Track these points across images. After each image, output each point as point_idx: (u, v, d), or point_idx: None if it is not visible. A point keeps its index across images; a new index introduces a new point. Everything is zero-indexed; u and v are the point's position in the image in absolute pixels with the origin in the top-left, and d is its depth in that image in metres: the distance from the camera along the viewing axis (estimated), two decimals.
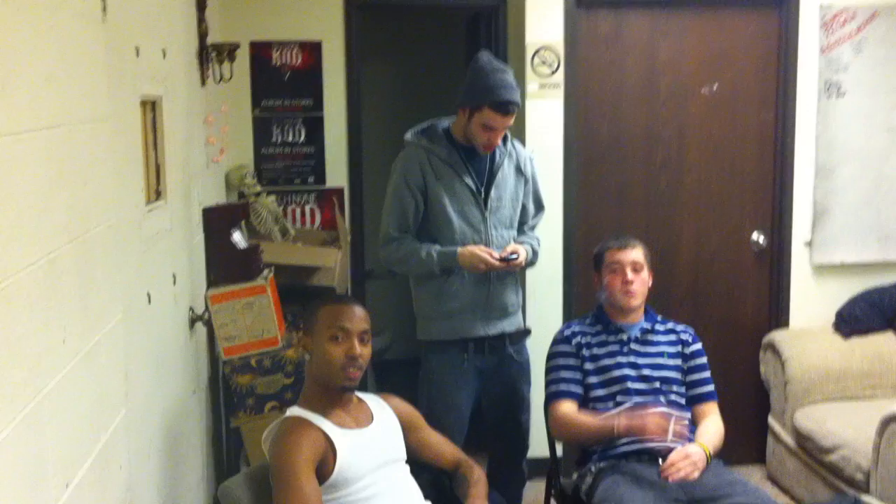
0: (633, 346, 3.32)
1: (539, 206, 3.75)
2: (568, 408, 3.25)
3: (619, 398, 3.22)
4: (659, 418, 3.03)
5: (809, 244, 4.78)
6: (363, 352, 2.59)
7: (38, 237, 1.75)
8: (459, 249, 3.44)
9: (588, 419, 3.19)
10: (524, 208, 3.66)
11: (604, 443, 3.16)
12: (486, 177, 3.54)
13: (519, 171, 3.61)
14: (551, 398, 3.33)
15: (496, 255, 3.41)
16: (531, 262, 3.66)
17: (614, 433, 3.08)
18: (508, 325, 3.61)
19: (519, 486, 3.77)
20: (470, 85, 3.45)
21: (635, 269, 3.35)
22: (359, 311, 2.64)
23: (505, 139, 3.59)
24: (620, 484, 2.94)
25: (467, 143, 3.53)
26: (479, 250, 3.40)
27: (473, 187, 3.50)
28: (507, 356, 3.62)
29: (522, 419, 3.73)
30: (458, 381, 3.55)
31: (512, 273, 3.58)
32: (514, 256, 3.43)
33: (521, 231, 3.68)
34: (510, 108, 3.37)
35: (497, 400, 3.67)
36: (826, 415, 4.25)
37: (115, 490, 2.25)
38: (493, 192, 3.53)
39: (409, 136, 3.61)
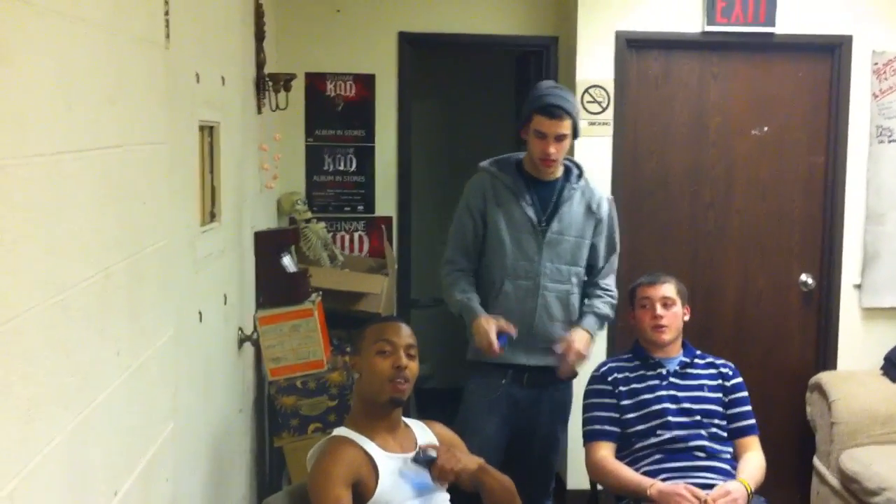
0: (673, 379, 3.32)
1: (612, 249, 3.63)
2: (604, 453, 3.26)
3: (658, 432, 3.22)
4: (689, 501, 3.00)
5: (859, 287, 4.76)
6: (410, 365, 2.62)
7: (95, 252, 1.79)
8: (481, 318, 3.41)
9: (623, 472, 3.19)
10: (594, 248, 3.58)
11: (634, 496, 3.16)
12: (551, 209, 3.51)
13: (590, 209, 3.54)
14: (588, 438, 3.34)
15: (497, 346, 3.37)
16: (601, 325, 3.60)
17: (646, 494, 3.08)
18: (555, 360, 3.55)
19: None
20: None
21: (665, 304, 3.36)
22: (405, 328, 2.69)
23: (580, 176, 3.57)
24: None
25: (537, 175, 3.53)
26: (489, 332, 3.37)
27: (534, 217, 3.48)
28: (548, 393, 3.58)
29: (550, 459, 3.67)
30: (490, 406, 3.52)
31: (566, 309, 3.52)
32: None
33: (591, 284, 3.60)
34: (556, 112, 3.36)
35: (528, 436, 3.60)
36: (873, 457, 4.21)
37: (160, 503, 2.29)
38: (554, 225, 3.49)
39: (482, 163, 3.64)
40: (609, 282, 3.62)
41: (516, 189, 3.51)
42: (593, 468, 3.30)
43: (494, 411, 3.54)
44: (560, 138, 3.40)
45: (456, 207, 3.65)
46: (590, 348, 3.53)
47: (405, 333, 2.66)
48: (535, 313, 3.49)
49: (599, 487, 3.44)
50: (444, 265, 3.62)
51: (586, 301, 3.58)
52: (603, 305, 3.57)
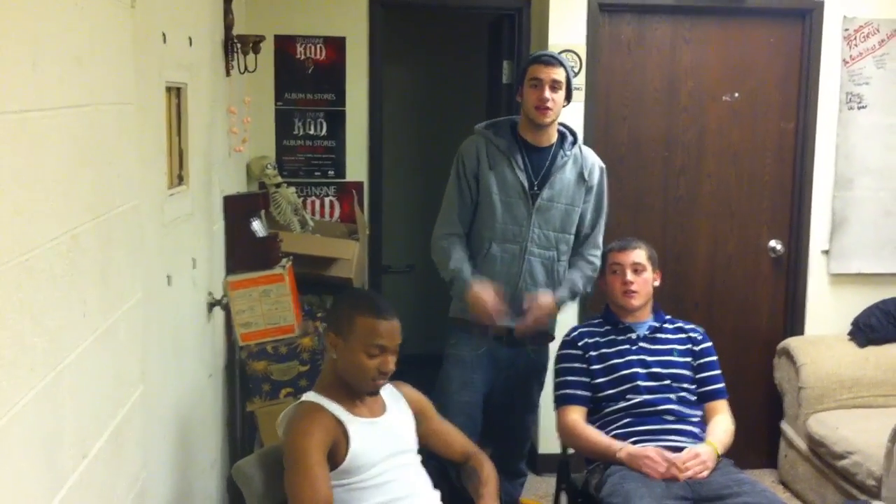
0: (643, 343, 3.34)
1: (598, 218, 3.64)
2: (575, 417, 3.28)
3: (628, 396, 3.24)
4: (658, 463, 3.03)
5: (827, 253, 4.79)
6: (393, 361, 2.60)
7: (62, 213, 1.77)
8: (475, 287, 3.44)
9: (594, 435, 3.22)
10: (581, 216, 3.58)
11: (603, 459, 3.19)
12: (543, 175, 3.52)
13: (581, 177, 3.56)
14: (558, 402, 3.36)
15: (497, 320, 3.45)
16: (573, 298, 3.62)
17: (616, 457, 3.10)
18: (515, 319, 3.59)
19: (517, 486, 3.79)
20: None
21: (636, 270, 3.38)
22: (396, 326, 2.61)
23: (574, 143, 3.59)
24: (628, 480, 2.96)
25: (531, 140, 3.53)
26: (487, 302, 3.42)
27: (525, 182, 3.49)
28: (524, 354, 3.63)
29: (526, 420, 3.74)
30: (474, 361, 3.57)
31: (550, 276, 3.55)
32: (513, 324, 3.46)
33: (576, 253, 3.61)
34: (550, 60, 3.42)
35: (505, 395, 3.67)
36: (839, 421, 4.27)
37: (129, 465, 2.28)
38: (545, 192, 3.50)
39: (477, 126, 3.64)
40: (594, 253, 3.62)
41: (510, 153, 3.52)
42: (564, 432, 3.33)
43: (477, 368, 3.59)
44: (555, 86, 3.43)
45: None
46: (551, 315, 3.56)
47: (397, 334, 2.61)
48: (519, 277, 3.52)
49: (570, 451, 3.47)
50: (438, 227, 3.61)
51: (567, 271, 3.60)
52: (580, 279, 3.59)
